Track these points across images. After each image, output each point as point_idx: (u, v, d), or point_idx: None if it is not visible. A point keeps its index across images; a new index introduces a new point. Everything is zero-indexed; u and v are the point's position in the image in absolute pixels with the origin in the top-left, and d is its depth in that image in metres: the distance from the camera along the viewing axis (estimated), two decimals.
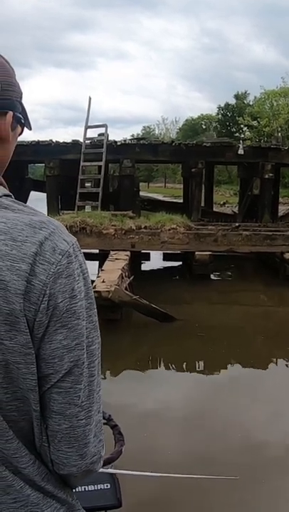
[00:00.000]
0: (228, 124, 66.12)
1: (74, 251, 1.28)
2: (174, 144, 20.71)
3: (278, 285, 15.16)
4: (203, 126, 75.15)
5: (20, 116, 1.43)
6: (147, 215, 18.09)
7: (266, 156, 19.47)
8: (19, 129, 1.46)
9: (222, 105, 69.33)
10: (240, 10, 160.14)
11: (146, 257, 18.31)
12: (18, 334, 1.20)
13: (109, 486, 1.86)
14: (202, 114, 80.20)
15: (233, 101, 68.21)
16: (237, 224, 17.91)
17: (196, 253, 15.92)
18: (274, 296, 14.71)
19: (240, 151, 19.32)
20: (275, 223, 19.66)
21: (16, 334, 1.20)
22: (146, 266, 18.36)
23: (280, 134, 40.14)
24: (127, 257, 14.39)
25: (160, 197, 38.91)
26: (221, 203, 37.86)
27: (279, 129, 44.15)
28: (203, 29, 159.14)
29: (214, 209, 28.28)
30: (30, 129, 1.51)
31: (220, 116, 69.83)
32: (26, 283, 1.19)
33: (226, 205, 36.21)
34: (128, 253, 14.98)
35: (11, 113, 1.38)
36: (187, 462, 5.78)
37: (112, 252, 14.75)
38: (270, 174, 19.52)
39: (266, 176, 19.40)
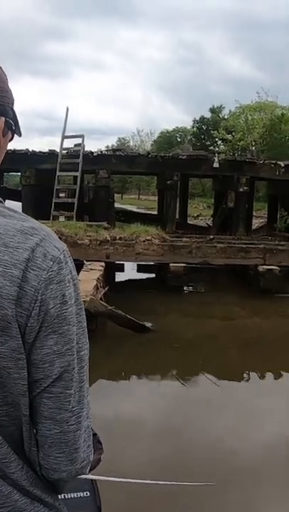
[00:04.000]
0: (202, 137, 66.44)
1: (64, 257, 1.29)
2: (150, 155, 20.81)
3: (252, 297, 15.24)
4: (178, 139, 75.36)
5: (12, 122, 1.44)
6: (122, 226, 18.12)
7: (241, 170, 19.60)
8: (10, 135, 1.46)
9: (197, 118, 69.73)
10: (218, 23, 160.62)
11: (120, 268, 18.26)
12: (10, 339, 1.21)
13: (89, 494, 1.86)
14: (177, 127, 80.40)
15: (208, 114, 68.62)
16: (211, 236, 18.00)
17: (171, 265, 15.95)
18: (248, 308, 14.78)
19: (216, 164, 19.40)
20: (249, 236, 19.79)
21: (8, 339, 1.21)
22: (120, 277, 18.33)
23: (254, 148, 40.46)
24: (102, 268, 14.39)
25: (134, 208, 38.96)
26: (195, 215, 38.03)
27: (253, 143, 44.47)
28: (180, 41, 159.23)
29: (188, 221, 28.35)
30: (20, 135, 1.52)
31: (195, 129, 70.12)
32: (18, 289, 1.20)
33: (200, 218, 36.37)
34: (103, 264, 14.98)
35: (2, 119, 1.40)
36: (162, 473, 5.77)
37: (86, 263, 14.73)
38: (245, 187, 19.65)
39: (241, 189, 19.51)
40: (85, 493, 1.86)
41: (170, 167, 19.65)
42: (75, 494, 1.84)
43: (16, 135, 1.51)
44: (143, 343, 10.77)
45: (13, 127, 1.46)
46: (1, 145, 1.43)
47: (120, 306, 11.21)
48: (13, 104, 1.46)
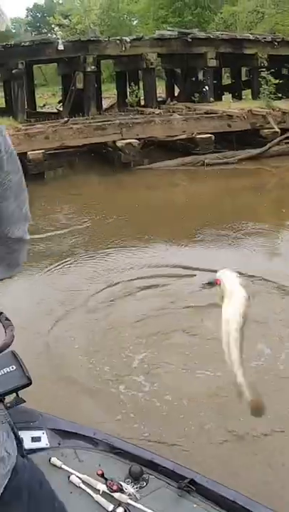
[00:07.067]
0: (38, 25, 64.14)
1: None
2: None
3: (114, 172, 15.47)
4: (13, 31, 72.36)
5: None
6: None
7: (86, 49, 19.40)
8: None
9: (31, 7, 67.20)
10: None
11: None
12: None
13: (15, 367, 1.83)
14: (11, 18, 77.00)
15: (41, 1, 66.30)
16: (66, 119, 17.82)
17: (29, 153, 15.60)
18: (112, 183, 14.96)
19: (61, 47, 19.00)
20: (102, 115, 19.77)
21: None
22: None
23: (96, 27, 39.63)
24: None
25: None
26: (42, 105, 37.02)
27: (92, 25, 43.51)
28: None
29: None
30: None
31: (29, 18, 67.64)
32: None
33: (47, 107, 35.51)
34: None
35: None
36: None
37: None
38: (92, 67, 19.58)
39: (88, 69, 19.40)
40: (10, 367, 1.81)
41: (14, 55, 18.90)
42: (1, 371, 1.80)
43: None
44: None
45: None
46: None
47: None
48: None
